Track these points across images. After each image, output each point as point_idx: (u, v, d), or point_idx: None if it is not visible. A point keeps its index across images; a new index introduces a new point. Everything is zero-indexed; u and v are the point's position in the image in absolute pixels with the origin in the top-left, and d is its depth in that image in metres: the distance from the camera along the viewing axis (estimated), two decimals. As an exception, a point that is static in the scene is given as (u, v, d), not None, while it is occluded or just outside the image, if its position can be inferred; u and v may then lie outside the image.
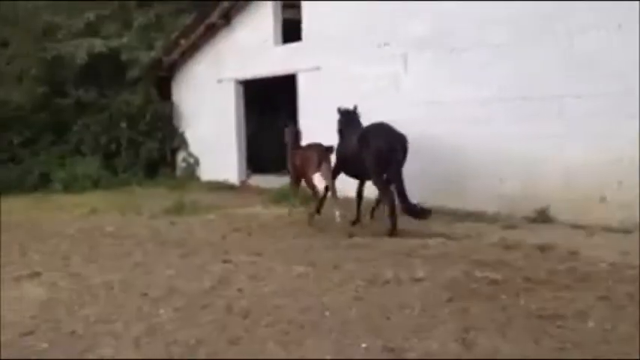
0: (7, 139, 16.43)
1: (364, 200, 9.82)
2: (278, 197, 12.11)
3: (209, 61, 16.28)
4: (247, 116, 15.88)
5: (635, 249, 7.17)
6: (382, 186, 8.91)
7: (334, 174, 9.68)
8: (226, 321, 5.20)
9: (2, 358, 4.56)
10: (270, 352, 4.51)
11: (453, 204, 10.18)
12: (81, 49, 16.58)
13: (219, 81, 15.83)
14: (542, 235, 8.26)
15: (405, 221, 8.91)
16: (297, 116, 13.69)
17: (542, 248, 7.44)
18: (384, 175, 8.86)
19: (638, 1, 8.42)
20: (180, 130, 17.48)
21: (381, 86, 11.61)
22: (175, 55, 16.82)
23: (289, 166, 10.26)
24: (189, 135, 17.29)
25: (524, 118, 9.56)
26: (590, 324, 4.86)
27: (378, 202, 9.57)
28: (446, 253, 7.39)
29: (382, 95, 11.51)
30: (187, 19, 16.32)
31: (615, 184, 8.57)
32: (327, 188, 9.61)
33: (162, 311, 5.51)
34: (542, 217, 9.22)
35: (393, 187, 8.77)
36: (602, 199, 8.72)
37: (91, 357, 4.53)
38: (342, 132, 9.96)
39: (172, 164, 17.57)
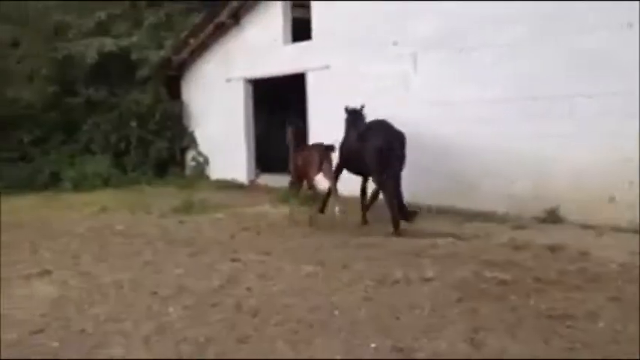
0: (18, 137, 16.56)
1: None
2: (286, 196, 12.10)
3: (218, 60, 16.30)
4: (256, 115, 15.89)
5: (645, 249, 7.13)
6: (383, 184, 8.93)
7: (337, 171, 9.75)
8: (235, 320, 5.21)
9: (14, 356, 4.58)
10: (280, 351, 4.51)
11: (462, 204, 10.15)
12: (91, 49, 16.65)
13: (229, 80, 15.85)
14: (552, 235, 8.23)
15: (414, 221, 8.90)
16: (307, 115, 13.70)
17: (552, 248, 7.41)
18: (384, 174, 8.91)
19: (638, 1, 8.40)
20: (190, 129, 17.53)
21: (390, 85, 11.59)
22: (185, 54, 16.86)
23: (291, 166, 10.32)
24: (199, 134, 17.32)
25: (533, 117, 9.51)
26: (601, 324, 4.85)
27: (373, 199, 9.57)
28: (455, 253, 7.37)
29: (391, 94, 11.48)
30: (197, 19, 16.37)
31: (625, 184, 8.51)
32: (330, 190, 9.68)
33: (171, 310, 5.52)
34: (552, 217, 9.18)
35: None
36: (612, 199, 8.66)
37: (100, 355, 4.55)
38: (348, 130, 10.01)
39: (182, 163, 17.62)
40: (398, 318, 5.14)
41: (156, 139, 17.08)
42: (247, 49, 15.22)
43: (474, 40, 10.31)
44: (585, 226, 8.65)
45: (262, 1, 14.70)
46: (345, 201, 9.69)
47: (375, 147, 8.81)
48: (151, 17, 17.89)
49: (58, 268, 7.23)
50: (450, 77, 10.71)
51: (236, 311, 5.44)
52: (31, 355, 4.57)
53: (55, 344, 4.78)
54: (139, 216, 11.08)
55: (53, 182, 15.85)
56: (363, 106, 10.03)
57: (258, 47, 14.82)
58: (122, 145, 16.93)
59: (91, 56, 16.54)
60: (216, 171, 16.54)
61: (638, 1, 8.40)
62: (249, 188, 15.08)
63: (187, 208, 11.48)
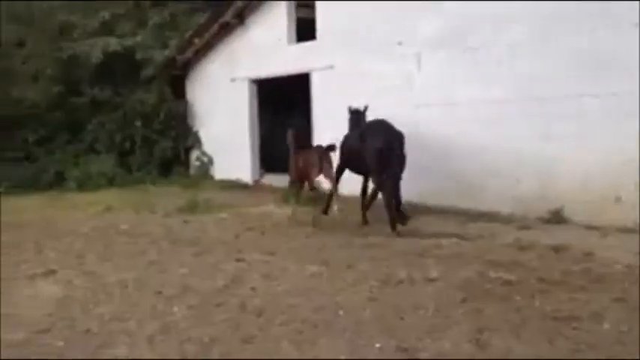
0: (23, 137, 16.60)
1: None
2: (287, 197, 12.11)
3: (223, 60, 16.31)
4: (261, 115, 15.90)
5: (651, 250, 7.11)
6: (381, 184, 8.94)
7: (339, 171, 9.78)
8: (240, 319, 5.21)
9: (21, 355, 4.59)
10: (284, 351, 4.52)
11: (466, 204, 10.15)
12: (96, 48, 16.68)
13: (233, 80, 15.86)
14: (557, 235, 8.21)
15: (418, 221, 8.90)
16: (311, 115, 13.71)
17: (557, 249, 7.39)
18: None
19: (638, 1, 8.39)
20: (194, 128, 17.54)
21: (395, 85, 11.57)
22: (189, 53, 16.86)
23: (290, 168, 10.37)
24: (203, 134, 17.33)
25: (538, 118, 9.50)
26: (606, 326, 4.84)
27: (372, 199, 9.58)
28: (460, 254, 7.37)
29: (395, 94, 11.46)
30: (201, 18, 16.36)
31: (630, 185, 8.49)
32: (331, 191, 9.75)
33: (176, 309, 5.53)
34: (557, 217, 9.16)
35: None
36: (617, 200, 8.64)
37: (105, 355, 4.56)
38: (350, 130, 10.04)
39: (186, 163, 17.63)
40: (402, 318, 5.14)
41: (160, 138, 17.09)
42: (252, 48, 15.22)
43: (478, 40, 10.30)
44: (590, 227, 8.62)
45: (267, 1, 14.71)
46: (345, 200, 9.72)
47: (375, 147, 8.83)
48: (155, 17, 17.91)
49: (62, 267, 7.24)
50: (454, 77, 10.69)
51: (240, 311, 5.45)
52: (37, 355, 4.58)
53: (61, 344, 4.79)
54: (144, 215, 11.10)
55: (58, 182, 15.88)
56: (366, 107, 10.06)
57: (263, 47, 14.83)
58: (127, 145, 16.95)
59: (96, 56, 16.59)
60: (221, 171, 16.55)
61: (638, 1, 8.39)
62: (254, 188, 15.09)
63: (192, 207, 11.50)
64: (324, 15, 13.28)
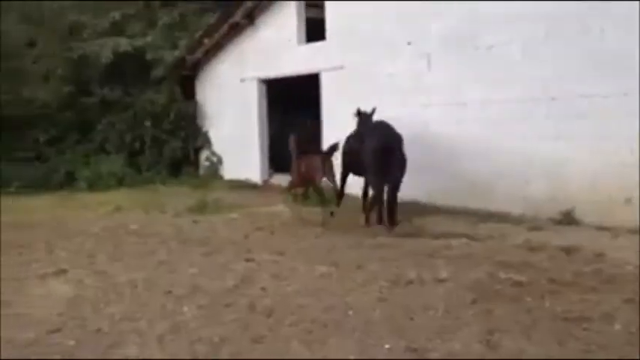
0: (33, 137, 16.72)
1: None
2: (288, 197, 12.13)
3: (232, 60, 16.34)
4: (270, 115, 15.92)
5: (662, 251, 7.07)
6: (374, 184, 8.95)
7: (344, 174, 9.82)
8: (250, 319, 5.22)
9: (30, 355, 4.61)
10: (294, 351, 4.52)
11: (476, 205, 10.10)
12: (106, 49, 16.79)
13: (243, 80, 15.88)
14: (568, 236, 8.16)
15: (428, 222, 8.88)
16: (320, 115, 13.71)
17: (568, 250, 7.35)
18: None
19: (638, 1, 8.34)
20: (204, 129, 17.60)
21: (405, 85, 11.55)
22: (199, 54, 16.92)
23: (292, 172, 10.43)
24: (213, 134, 17.39)
25: (549, 118, 9.44)
26: (617, 326, 4.81)
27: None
28: (470, 254, 7.34)
29: (405, 94, 11.45)
30: (211, 19, 16.42)
31: (641, 186, 8.45)
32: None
33: (186, 309, 5.54)
34: (568, 218, 9.09)
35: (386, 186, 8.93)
36: (628, 201, 8.56)
37: (116, 355, 4.58)
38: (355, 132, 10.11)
39: (196, 163, 17.69)
40: (412, 319, 5.13)
41: (170, 138, 17.16)
42: (261, 49, 15.24)
43: (488, 40, 10.24)
44: (601, 228, 8.55)
45: (276, 2, 14.72)
46: (354, 200, 9.77)
47: (371, 147, 8.86)
48: (165, 17, 17.99)
49: (73, 267, 7.27)
50: (464, 77, 10.65)
51: (250, 311, 5.45)
52: (48, 355, 4.60)
53: (72, 343, 4.81)
54: (154, 215, 11.13)
55: (68, 182, 15.98)
56: (374, 109, 10.06)
57: (273, 47, 14.85)
58: (137, 145, 17.03)
59: (106, 56, 16.68)
60: (230, 171, 16.58)
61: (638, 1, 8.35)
62: (263, 188, 15.11)
63: (201, 207, 11.52)
64: (333, 15, 13.28)
